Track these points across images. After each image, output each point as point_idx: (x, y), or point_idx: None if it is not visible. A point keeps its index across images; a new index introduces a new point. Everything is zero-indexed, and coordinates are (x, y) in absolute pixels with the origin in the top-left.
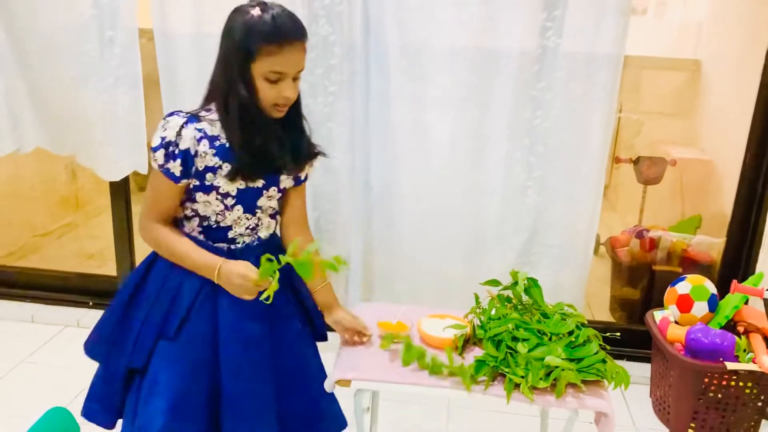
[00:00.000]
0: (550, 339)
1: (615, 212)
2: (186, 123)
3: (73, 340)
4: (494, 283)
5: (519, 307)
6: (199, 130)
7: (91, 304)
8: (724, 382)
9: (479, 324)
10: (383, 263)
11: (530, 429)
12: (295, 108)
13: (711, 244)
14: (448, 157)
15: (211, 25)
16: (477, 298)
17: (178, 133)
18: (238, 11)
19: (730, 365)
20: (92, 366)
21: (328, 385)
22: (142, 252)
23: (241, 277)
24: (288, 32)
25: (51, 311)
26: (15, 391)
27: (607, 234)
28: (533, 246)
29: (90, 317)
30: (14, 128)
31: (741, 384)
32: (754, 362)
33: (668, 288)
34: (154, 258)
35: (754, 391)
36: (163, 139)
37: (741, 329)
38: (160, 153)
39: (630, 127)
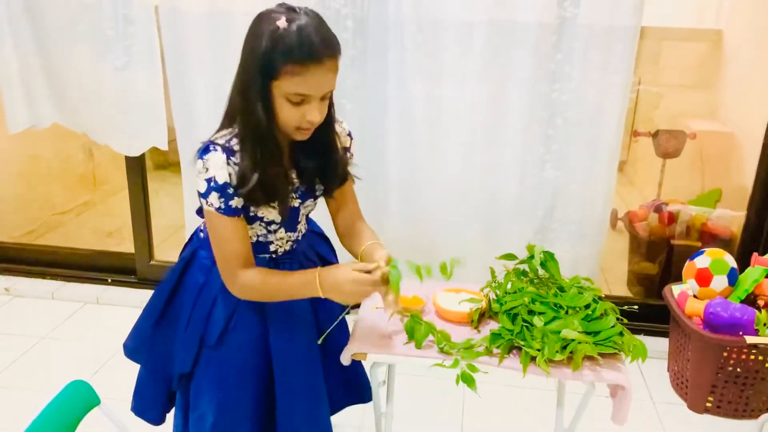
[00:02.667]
0: (566, 312)
1: (633, 187)
2: (227, 159)
3: (93, 317)
4: (510, 257)
5: (535, 281)
6: (236, 164)
7: (109, 281)
8: (744, 356)
9: (495, 298)
10: (400, 238)
11: (547, 403)
12: (326, 127)
13: (731, 217)
14: (466, 132)
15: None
16: (493, 272)
17: (225, 171)
18: (261, 18)
19: (750, 339)
20: (111, 342)
21: (344, 359)
22: (159, 229)
23: (353, 283)
24: (315, 50)
25: (71, 288)
26: (36, 367)
27: (625, 209)
28: (552, 222)
29: (109, 294)
30: (30, 104)
31: (761, 358)
32: None
33: (687, 262)
34: (189, 259)
35: None
36: (210, 181)
37: (761, 303)
38: (214, 196)
39: (649, 100)
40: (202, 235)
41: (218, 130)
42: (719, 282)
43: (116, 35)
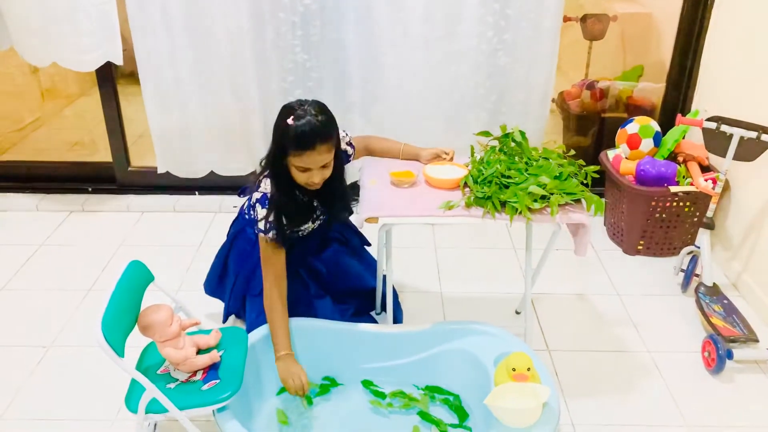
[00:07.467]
0: (536, 175)
1: (559, 71)
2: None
3: (84, 222)
4: (486, 134)
5: (509, 153)
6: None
7: (90, 189)
8: (668, 204)
9: (476, 169)
10: (370, 130)
11: (508, 261)
12: (331, 180)
13: (653, 89)
14: (424, 26)
15: None
16: (472, 149)
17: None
18: (284, 110)
19: (673, 189)
20: (109, 242)
21: (358, 222)
22: (132, 137)
23: (294, 377)
24: (310, 142)
25: (53, 199)
26: (46, 269)
27: (553, 92)
28: (503, 106)
29: (92, 202)
30: None
31: (681, 204)
32: (692, 185)
33: (619, 130)
34: (239, 233)
35: (692, 208)
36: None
37: (681, 159)
38: (272, 233)
39: None
40: (247, 216)
41: (260, 172)
42: (647, 144)
43: None
